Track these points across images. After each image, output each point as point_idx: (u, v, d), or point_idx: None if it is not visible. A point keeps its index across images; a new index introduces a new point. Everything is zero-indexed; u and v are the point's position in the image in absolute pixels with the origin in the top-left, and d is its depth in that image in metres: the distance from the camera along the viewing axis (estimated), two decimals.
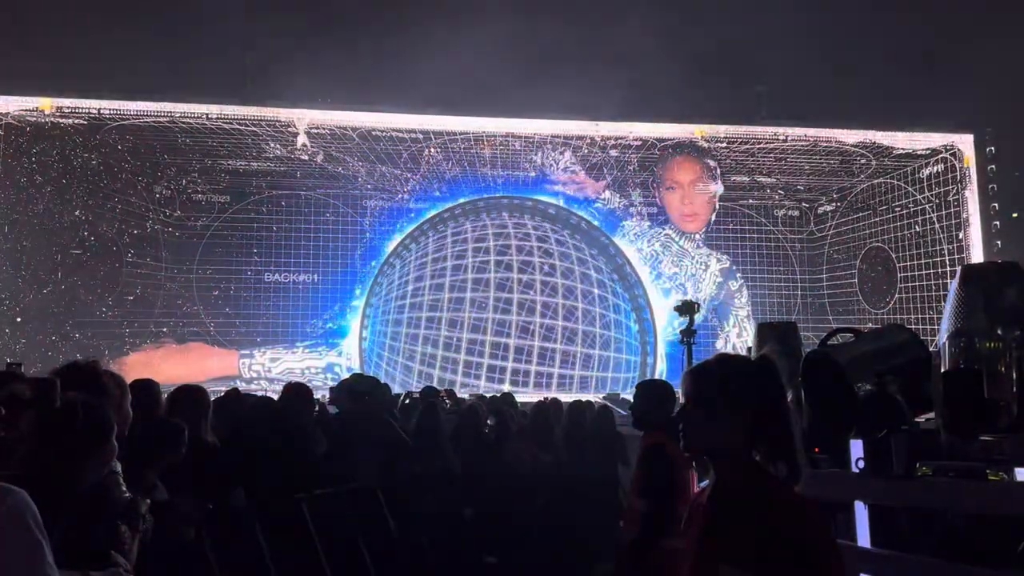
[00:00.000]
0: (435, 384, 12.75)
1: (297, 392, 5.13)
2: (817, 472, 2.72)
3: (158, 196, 18.10)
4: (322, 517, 4.59)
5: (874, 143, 17.51)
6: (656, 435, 3.59)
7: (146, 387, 3.71)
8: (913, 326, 13.46)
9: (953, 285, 2.79)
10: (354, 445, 5.31)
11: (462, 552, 5.56)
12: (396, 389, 10.38)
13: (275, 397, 5.49)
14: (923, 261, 17.90)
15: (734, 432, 1.76)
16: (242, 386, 13.35)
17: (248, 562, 4.00)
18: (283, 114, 16.25)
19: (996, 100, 16.34)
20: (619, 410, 7.95)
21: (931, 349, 2.73)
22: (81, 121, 15.74)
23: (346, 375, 11.13)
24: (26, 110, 15.31)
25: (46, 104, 15.26)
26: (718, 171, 18.85)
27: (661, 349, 19.04)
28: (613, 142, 17.92)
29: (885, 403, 2.49)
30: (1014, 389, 2.52)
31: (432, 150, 17.79)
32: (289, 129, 16.60)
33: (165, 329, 18.03)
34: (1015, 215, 17.27)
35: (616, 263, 20.09)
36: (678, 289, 18.89)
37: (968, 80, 15.94)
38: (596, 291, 20.53)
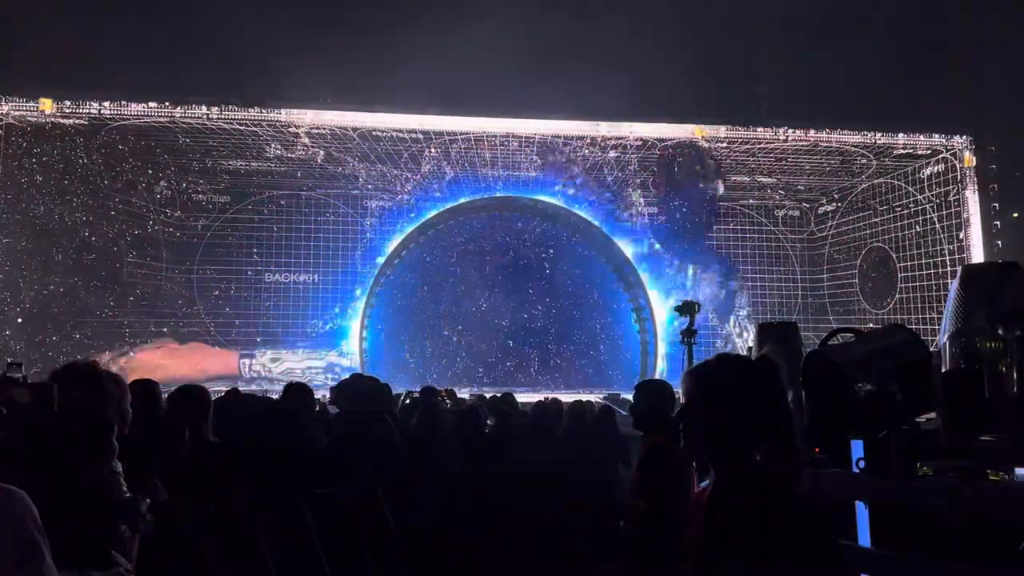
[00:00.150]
0: (435, 384, 12.72)
1: (298, 392, 5.14)
2: (817, 472, 2.72)
3: (159, 196, 18.12)
4: (323, 517, 4.59)
5: (874, 143, 17.51)
6: (656, 435, 3.60)
7: (146, 387, 3.70)
8: (913, 326, 13.45)
9: (953, 285, 2.78)
10: (354, 445, 5.31)
11: (462, 552, 5.56)
12: (396, 389, 10.36)
13: (276, 397, 5.49)
14: (923, 261, 17.89)
15: (734, 432, 1.76)
16: (242, 386, 13.33)
17: (248, 562, 3.99)
18: (283, 114, 16.25)
19: (996, 100, 16.34)
20: (619, 410, 7.94)
21: (931, 349, 2.73)
22: (82, 121, 15.74)
23: (346, 375, 11.11)
24: (27, 110, 15.31)
25: (47, 104, 15.26)
26: (718, 171, 18.83)
27: (661, 349, 19.03)
28: (613, 142, 17.91)
29: (885, 403, 2.49)
30: (1014, 389, 2.51)
31: (432, 150, 17.79)
32: (289, 129, 16.60)
33: (165, 329, 18.04)
34: (1015, 215, 17.25)
35: (616, 263, 20.08)
36: (678, 289, 18.88)
37: (968, 80, 15.95)
38: (596, 291, 20.53)
